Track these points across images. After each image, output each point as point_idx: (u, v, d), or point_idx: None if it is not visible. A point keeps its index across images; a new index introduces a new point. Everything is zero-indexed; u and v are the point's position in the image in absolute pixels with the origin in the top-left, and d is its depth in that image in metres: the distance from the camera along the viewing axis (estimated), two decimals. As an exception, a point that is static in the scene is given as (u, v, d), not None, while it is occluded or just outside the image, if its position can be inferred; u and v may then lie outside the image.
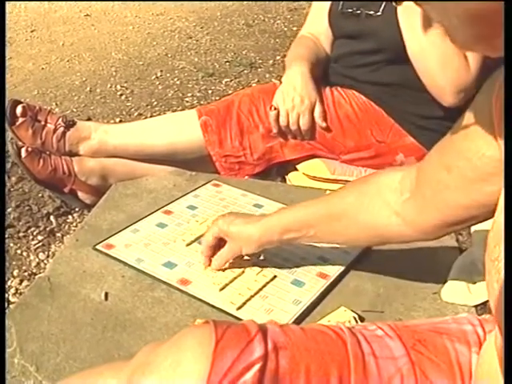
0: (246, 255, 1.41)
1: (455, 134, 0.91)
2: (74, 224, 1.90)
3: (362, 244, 1.32)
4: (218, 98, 2.73)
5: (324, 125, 1.88)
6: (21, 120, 1.92)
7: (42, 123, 1.94)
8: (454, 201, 0.95)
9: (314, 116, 1.89)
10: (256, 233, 1.30)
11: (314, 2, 2.21)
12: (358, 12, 1.91)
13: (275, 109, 1.89)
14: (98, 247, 1.52)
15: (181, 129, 1.94)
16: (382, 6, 1.85)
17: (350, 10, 1.94)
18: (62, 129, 1.94)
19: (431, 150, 1.02)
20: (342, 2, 1.99)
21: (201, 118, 1.92)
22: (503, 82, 0.57)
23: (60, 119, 1.95)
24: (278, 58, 3.37)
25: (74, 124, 1.97)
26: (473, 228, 1.53)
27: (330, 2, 2.06)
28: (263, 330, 0.83)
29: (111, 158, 1.96)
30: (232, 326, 0.83)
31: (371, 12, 1.87)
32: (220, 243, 1.39)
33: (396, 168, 1.31)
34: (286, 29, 4.00)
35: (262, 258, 1.45)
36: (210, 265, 1.42)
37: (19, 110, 1.93)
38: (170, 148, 1.94)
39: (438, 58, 1.68)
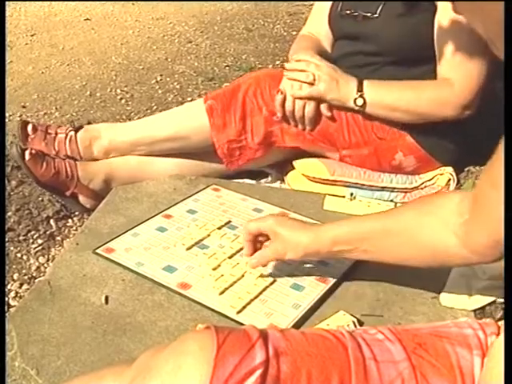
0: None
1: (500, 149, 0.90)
2: (74, 228, 1.90)
3: (413, 264, 1.22)
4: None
5: (329, 114, 1.89)
6: (32, 136, 1.96)
7: (53, 135, 1.98)
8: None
9: (320, 105, 1.89)
10: (305, 240, 1.27)
11: (315, 3, 2.22)
12: (356, 14, 1.93)
13: (282, 93, 1.89)
14: (98, 251, 1.52)
15: (187, 115, 1.98)
16: (380, 7, 1.86)
17: (348, 12, 1.96)
18: (72, 133, 1.98)
19: (484, 167, 1.00)
20: (340, 4, 2.00)
21: (207, 101, 1.94)
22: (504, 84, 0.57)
23: (68, 128, 2.00)
24: (277, 62, 3.37)
25: (81, 127, 2.02)
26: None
27: (330, 3, 2.07)
28: (264, 335, 0.84)
29: (119, 158, 1.98)
30: (233, 332, 0.83)
31: (368, 14, 1.88)
32: (258, 238, 1.38)
33: (455, 191, 1.29)
34: (285, 33, 4.01)
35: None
36: (250, 253, 1.39)
37: (30, 127, 1.98)
38: (178, 135, 1.96)
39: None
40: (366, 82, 1.84)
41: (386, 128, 1.89)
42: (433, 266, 1.21)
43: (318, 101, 1.88)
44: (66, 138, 1.97)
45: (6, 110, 2.58)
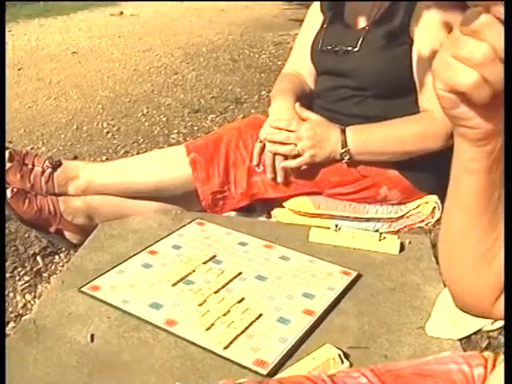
0: None
1: None
2: (61, 264, 1.90)
3: None
4: (203, 134, 2.75)
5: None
6: (8, 165, 1.94)
7: (30, 166, 1.95)
8: None
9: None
10: None
11: (296, 40, 2.25)
12: (337, 49, 1.95)
13: (261, 142, 1.90)
14: (83, 289, 1.52)
15: (169, 166, 1.96)
16: (360, 41, 1.89)
17: (328, 47, 1.98)
18: (49, 170, 1.95)
19: None
20: (321, 40, 2.02)
21: (189, 154, 1.93)
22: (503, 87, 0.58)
23: (47, 161, 1.96)
24: (263, 92, 3.41)
25: (60, 164, 1.98)
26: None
27: (311, 39, 2.09)
28: None
29: (99, 195, 1.96)
30: None
31: (349, 48, 1.91)
32: None
33: None
34: (271, 63, 4.05)
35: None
36: None
37: (6, 156, 1.94)
38: (158, 185, 1.95)
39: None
40: (349, 134, 1.85)
41: (370, 165, 1.90)
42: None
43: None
44: (42, 173, 1.95)
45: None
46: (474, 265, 0.78)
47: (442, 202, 1.91)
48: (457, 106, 0.64)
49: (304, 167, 1.91)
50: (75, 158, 2.61)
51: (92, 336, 1.36)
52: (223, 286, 1.52)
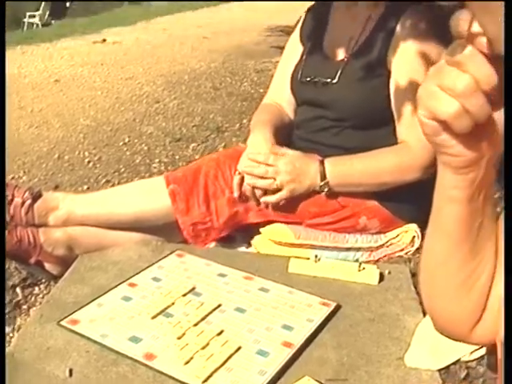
0: None
1: None
2: (41, 296, 1.89)
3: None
4: (185, 163, 2.76)
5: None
6: None
7: (9, 197, 1.95)
8: None
9: None
10: None
11: (276, 70, 2.27)
12: (316, 80, 1.97)
13: (239, 173, 1.91)
14: (62, 323, 1.51)
15: (149, 197, 1.96)
16: (338, 73, 1.91)
17: (308, 79, 2.00)
18: (29, 201, 1.94)
19: None
20: (301, 70, 2.05)
21: (169, 186, 1.94)
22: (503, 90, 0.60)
23: (27, 192, 1.96)
24: (244, 121, 3.43)
25: (40, 195, 1.98)
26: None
27: (291, 70, 2.11)
28: None
29: (80, 226, 1.96)
30: None
31: (328, 80, 1.93)
32: None
33: None
34: (252, 91, 4.08)
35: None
36: None
37: None
38: (139, 216, 1.95)
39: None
40: (328, 166, 1.86)
41: (349, 196, 1.92)
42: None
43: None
44: (22, 204, 1.94)
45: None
46: (455, 292, 0.79)
47: (422, 231, 1.94)
48: (439, 134, 0.65)
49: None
50: (56, 187, 2.61)
51: (70, 371, 1.36)
52: (202, 319, 1.52)
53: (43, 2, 12.86)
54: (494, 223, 0.75)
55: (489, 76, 0.59)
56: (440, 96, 0.62)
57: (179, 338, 1.45)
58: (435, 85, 0.62)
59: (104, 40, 7.02)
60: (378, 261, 1.94)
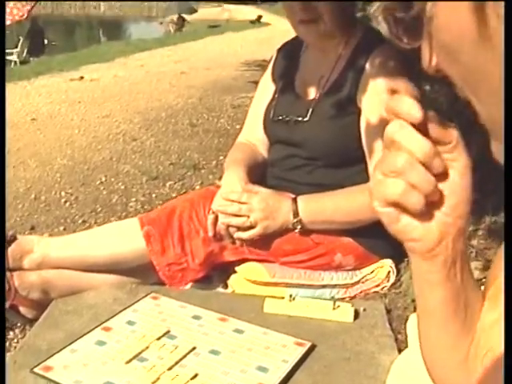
0: None
1: None
2: (16, 340, 1.87)
3: None
4: (161, 201, 2.76)
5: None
6: None
7: None
8: None
9: None
10: None
11: (249, 109, 2.29)
12: (288, 119, 1.99)
13: (213, 213, 1.92)
14: (36, 370, 1.50)
15: (123, 239, 1.96)
16: (309, 112, 1.94)
17: (280, 118, 2.02)
18: None
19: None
20: (273, 109, 2.07)
21: (143, 227, 1.94)
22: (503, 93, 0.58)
23: None
24: (221, 158, 3.44)
25: (15, 239, 1.97)
26: (409, 327, 1.56)
27: (264, 109, 2.13)
28: None
29: (54, 269, 1.95)
30: None
31: (299, 118, 1.95)
32: None
33: None
34: (229, 127, 4.10)
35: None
36: None
37: None
38: (113, 258, 1.94)
39: None
40: (300, 204, 1.88)
41: (323, 233, 1.93)
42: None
43: None
44: None
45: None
46: (457, 366, 0.77)
47: (397, 266, 1.95)
48: (397, 220, 0.66)
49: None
50: (32, 228, 2.60)
51: (44, 419, 1.35)
52: (177, 362, 1.51)
53: (22, 39, 12.81)
54: (478, 294, 0.74)
55: (421, 145, 0.61)
56: (386, 181, 0.63)
57: (154, 383, 1.44)
58: (380, 173, 0.63)
59: (81, 77, 7.04)
60: (354, 297, 1.95)
